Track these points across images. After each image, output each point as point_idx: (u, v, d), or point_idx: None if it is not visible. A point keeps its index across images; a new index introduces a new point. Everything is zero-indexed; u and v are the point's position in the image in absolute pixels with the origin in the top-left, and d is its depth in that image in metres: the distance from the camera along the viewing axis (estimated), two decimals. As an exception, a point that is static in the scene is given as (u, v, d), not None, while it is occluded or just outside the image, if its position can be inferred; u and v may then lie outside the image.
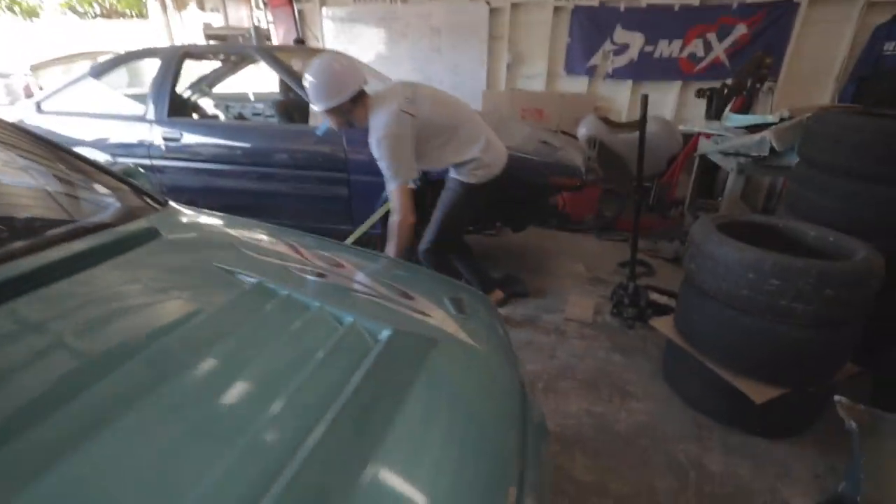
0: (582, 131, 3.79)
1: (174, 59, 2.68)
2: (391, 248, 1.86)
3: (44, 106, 3.05)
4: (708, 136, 3.08)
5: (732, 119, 2.91)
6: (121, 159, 2.84)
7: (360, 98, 1.80)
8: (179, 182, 2.77)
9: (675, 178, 3.80)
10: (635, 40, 4.14)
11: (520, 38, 4.46)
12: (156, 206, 1.49)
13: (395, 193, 1.81)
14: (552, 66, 4.45)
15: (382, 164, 1.79)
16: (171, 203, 1.56)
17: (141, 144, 2.73)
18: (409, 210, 1.83)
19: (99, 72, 2.96)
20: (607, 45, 4.23)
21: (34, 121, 3.05)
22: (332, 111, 1.80)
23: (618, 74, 4.31)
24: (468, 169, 1.94)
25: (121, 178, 1.59)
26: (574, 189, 2.33)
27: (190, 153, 2.64)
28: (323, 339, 0.83)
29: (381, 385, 0.74)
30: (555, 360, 2.03)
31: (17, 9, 5.50)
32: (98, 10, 6.34)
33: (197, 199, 2.85)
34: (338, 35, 4.97)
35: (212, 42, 4.99)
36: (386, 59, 4.91)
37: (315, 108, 1.84)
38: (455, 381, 0.90)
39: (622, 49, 4.21)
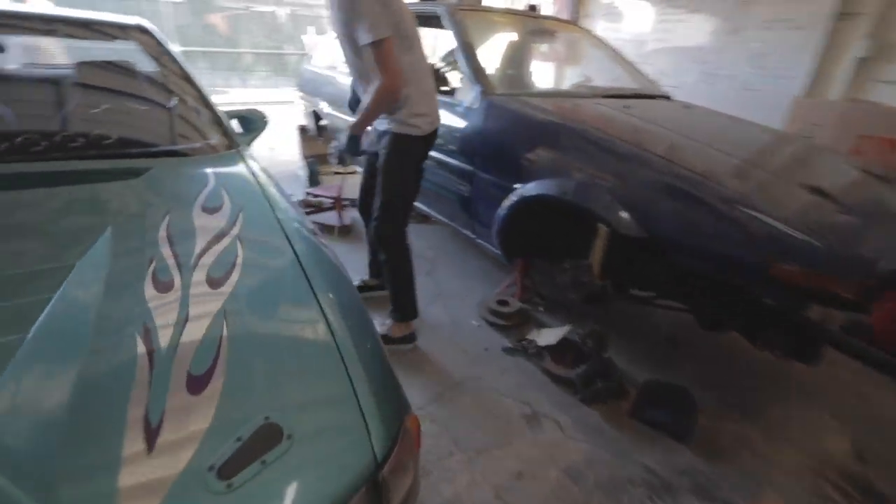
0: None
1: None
2: (358, 118, 1.56)
3: (312, 61, 3.60)
4: None
5: None
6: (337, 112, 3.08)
7: None
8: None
9: None
10: None
11: (899, 17, 2.63)
12: (224, 149, 1.46)
13: (379, 51, 1.41)
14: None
15: (360, 23, 1.38)
16: (243, 150, 1.49)
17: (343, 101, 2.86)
18: (398, 74, 1.45)
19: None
20: None
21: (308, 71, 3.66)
22: None
23: None
24: (403, 114, 1.56)
25: (217, 115, 1.57)
26: (835, 301, 1.08)
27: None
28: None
29: None
30: None
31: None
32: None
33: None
34: (609, 13, 4.15)
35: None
36: (659, 44, 3.82)
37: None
38: None
39: None
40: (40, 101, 1.25)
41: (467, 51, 1.90)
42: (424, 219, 2.96)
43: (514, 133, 1.67)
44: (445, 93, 2.23)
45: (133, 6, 6.48)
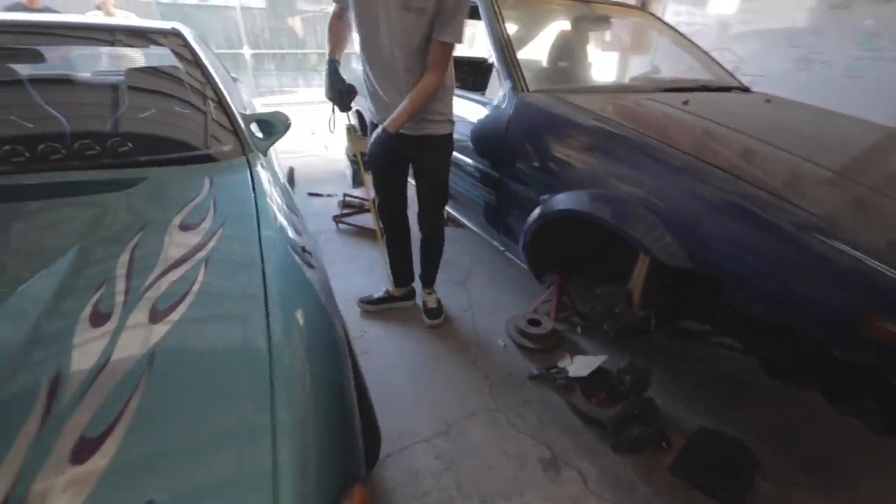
0: None
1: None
2: (402, 115, 1.48)
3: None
4: None
5: None
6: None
7: None
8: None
9: None
10: None
11: None
12: (233, 156, 1.42)
13: (450, 51, 1.44)
14: None
15: (454, 20, 1.37)
16: (254, 156, 1.44)
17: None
18: (447, 73, 1.50)
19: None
20: None
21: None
22: None
23: None
24: (448, 113, 1.61)
25: (233, 120, 1.54)
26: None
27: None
28: None
29: None
30: None
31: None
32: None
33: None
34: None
35: None
36: (743, 27, 3.34)
37: None
38: None
39: None
40: (42, 109, 1.27)
41: (498, 41, 1.71)
42: (462, 224, 2.81)
43: (544, 135, 1.46)
44: (477, 90, 2.04)
45: (210, 13, 6.92)
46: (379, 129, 1.55)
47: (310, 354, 0.77)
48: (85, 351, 0.65)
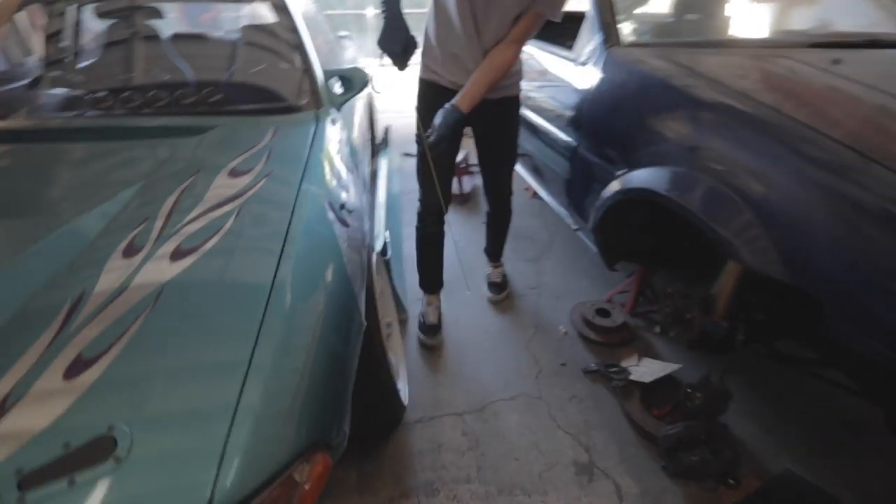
0: None
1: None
2: (480, 89, 1.30)
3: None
4: None
5: None
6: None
7: None
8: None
9: None
10: None
11: None
12: (306, 109, 1.46)
13: (536, 27, 1.30)
14: None
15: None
16: (325, 111, 1.46)
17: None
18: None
19: None
20: None
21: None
22: None
23: None
24: (521, 68, 1.46)
25: (312, 75, 1.57)
26: None
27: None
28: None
29: None
30: None
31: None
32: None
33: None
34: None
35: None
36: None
37: None
38: None
39: None
40: (128, 60, 1.41)
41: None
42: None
43: (631, 98, 1.23)
44: (563, 45, 1.77)
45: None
46: (448, 107, 1.30)
47: (311, 307, 0.76)
48: (109, 278, 0.71)
